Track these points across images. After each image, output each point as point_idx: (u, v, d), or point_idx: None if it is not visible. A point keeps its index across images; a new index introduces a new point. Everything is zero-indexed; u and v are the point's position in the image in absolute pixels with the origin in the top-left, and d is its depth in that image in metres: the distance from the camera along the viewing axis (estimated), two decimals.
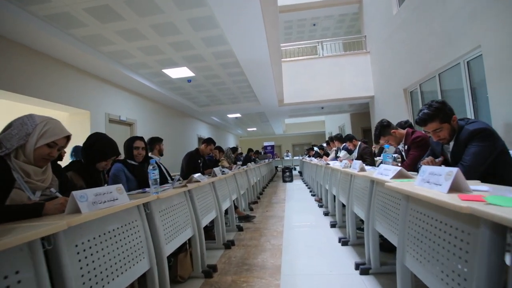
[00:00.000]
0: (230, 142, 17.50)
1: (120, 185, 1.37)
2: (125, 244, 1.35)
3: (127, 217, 1.42)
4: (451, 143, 1.75)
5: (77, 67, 4.84)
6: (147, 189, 2.01)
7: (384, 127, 2.39)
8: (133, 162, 2.45)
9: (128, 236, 1.39)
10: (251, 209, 4.88)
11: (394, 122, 7.85)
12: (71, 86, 4.77)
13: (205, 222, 2.45)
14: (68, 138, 1.45)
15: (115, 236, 1.29)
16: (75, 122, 5.20)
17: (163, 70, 5.75)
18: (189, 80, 6.54)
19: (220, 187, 3.21)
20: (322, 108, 11.20)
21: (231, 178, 3.95)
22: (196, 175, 2.44)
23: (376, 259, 2.01)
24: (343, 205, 3.36)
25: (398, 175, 1.58)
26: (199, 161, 3.92)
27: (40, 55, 4.16)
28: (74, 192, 1.12)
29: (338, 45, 10.19)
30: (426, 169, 1.22)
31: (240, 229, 3.50)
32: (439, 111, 1.68)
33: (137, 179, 2.40)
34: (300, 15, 10.54)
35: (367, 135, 10.40)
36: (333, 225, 3.37)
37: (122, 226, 1.36)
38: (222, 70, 6.08)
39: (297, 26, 11.76)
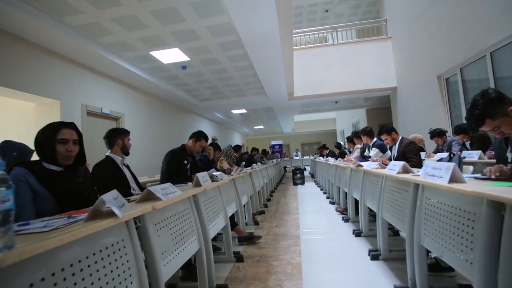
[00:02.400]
0: (236, 141, 16.50)
1: None
2: None
3: None
4: None
5: (42, 46, 3.90)
6: (44, 223, 1.02)
7: (493, 102, 1.26)
8: (52, 167, 1.45)
9: None
10: (256, 223, 3.84)
11: (425, 116, 6.45)
12: (37, 71, 3.87)
13: (172, 268, 1.44)
14: None
15: None
16: (44, 114, 4.28)
17: (151, 53, 4.79)
18: (184, 66, 5.56)
19: (208, 201, 2.18)
20: (336, 102, 10.12)
21: (228, 185, 2.93)
22: (156, 189, 1.43)
23: None
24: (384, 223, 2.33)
25: None
26: (186, 161, 2.91)
27: None
28: None
29: (352, 34, 9.04)
30: None
31: (239, 259, 2.46)
32: None
33: (56, 196, 1.40)
34: None
35: None
36: (374, 257, 2.29)
37: None
38: (221, 53, 5.07)
39: (307, 12, 10.72)
